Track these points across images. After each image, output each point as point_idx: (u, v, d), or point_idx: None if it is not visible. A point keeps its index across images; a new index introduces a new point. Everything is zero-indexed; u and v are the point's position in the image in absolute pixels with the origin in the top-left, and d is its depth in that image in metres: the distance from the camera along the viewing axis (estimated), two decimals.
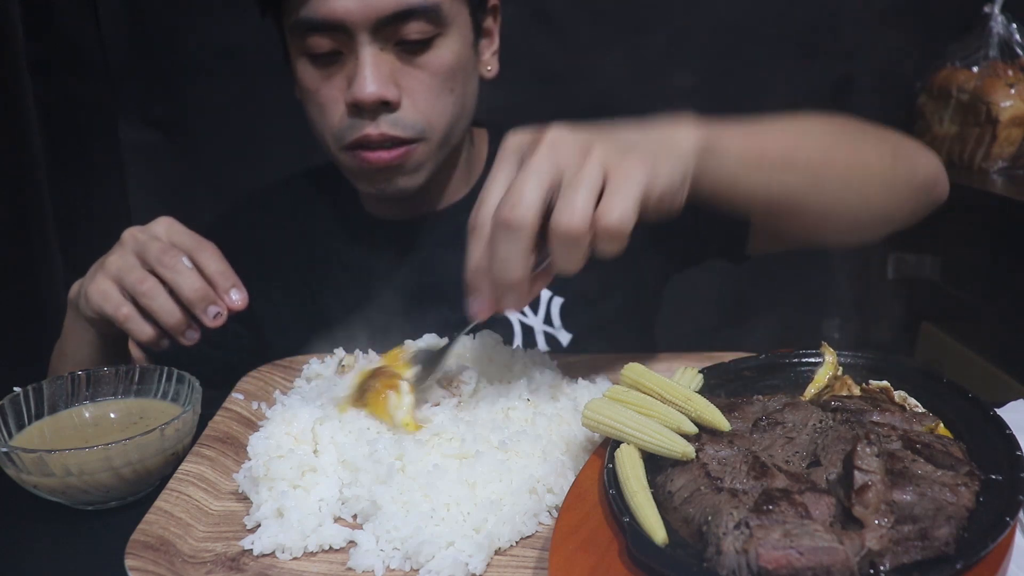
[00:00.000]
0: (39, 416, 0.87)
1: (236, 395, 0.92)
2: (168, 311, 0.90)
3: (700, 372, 0.79)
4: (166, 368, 0.92)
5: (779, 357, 0.81)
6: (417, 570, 0.65)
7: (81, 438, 0.86)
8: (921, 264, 2.01)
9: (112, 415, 0.90)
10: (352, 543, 0.69)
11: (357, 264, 1.21)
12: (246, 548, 0.69)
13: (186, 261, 0.91)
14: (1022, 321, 1.68)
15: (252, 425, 0.87)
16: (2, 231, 1.57)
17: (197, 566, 0.67)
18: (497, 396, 0.84)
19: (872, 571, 0.52)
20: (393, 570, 0.66)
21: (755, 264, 1.20)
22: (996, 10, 1.84)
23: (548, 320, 1.17)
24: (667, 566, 0.54)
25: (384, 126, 1.01)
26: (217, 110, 1.84)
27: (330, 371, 0.94)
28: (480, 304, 0.74)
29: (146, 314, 0.91)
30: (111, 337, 1.02)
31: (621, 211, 0.67)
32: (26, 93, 1.62)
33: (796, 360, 0.80)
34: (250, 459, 0.77)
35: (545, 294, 1.17)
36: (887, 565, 0.52)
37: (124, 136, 1.85)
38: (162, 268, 0.90)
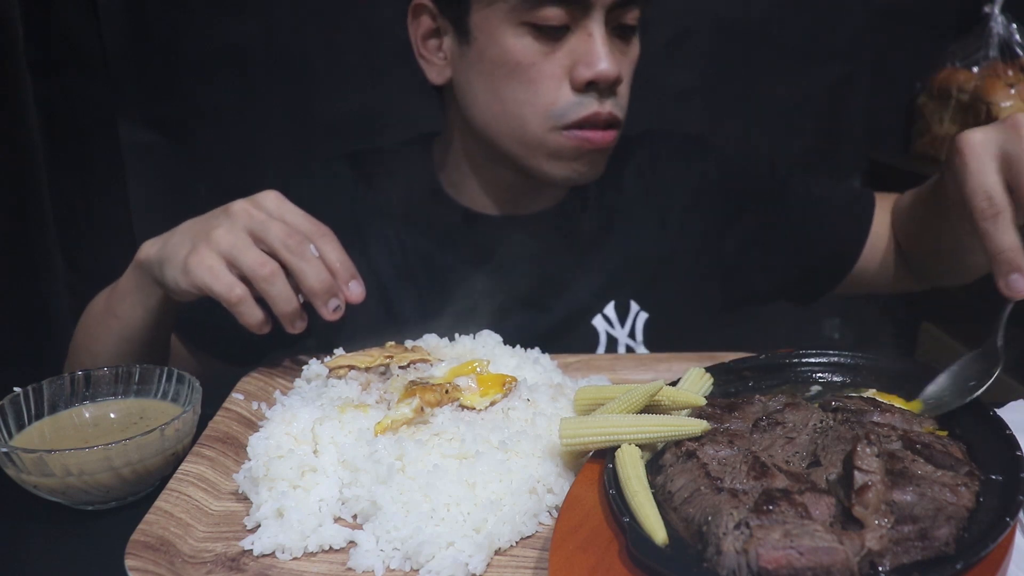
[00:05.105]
0: (39, 416, 0.87)
1: (236, 395, 0.92)
2: (287, 299, 0.86)
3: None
4: (166, 368, 0.91)
5: (779, 357, 0.81)
6: (417, 570, 0.65)
7: (81, 438, 0.85)
8: None
9: (112, 415, 0.90)
10: (352, 543, 0.69)
11: (440, 257, 1.15)
12: (246, 548, 0.69)
13: (313, 249, 0.87)
14: (1022, 321, 1.68)
15: (252, 425, 0.87)
16: (2, 231, 1.57)
17: (197, 566, 0.67)
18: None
19: (872, 571, 0.52)
20: (393, 570, 0.66)
21: None
22: (996, 10, 1.84)
23: (632, 334, 1.17)
24: (667, 566, 0.54)
25: (609, 106, 1.01)
26: (217, 110, 1.84)
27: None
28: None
29: (257, 296, 0.87)
30: (178, 307, 0.98)
31: None
32: (26, 93, 1.62)
33: (796, 360, 0.80)
34: (250, 459, 0.77)
35: (634, 307, 1.17)
36: (887, 565, 0.52)
37: (124, 136, 1.84)
38: (287, 253, 0.86)
